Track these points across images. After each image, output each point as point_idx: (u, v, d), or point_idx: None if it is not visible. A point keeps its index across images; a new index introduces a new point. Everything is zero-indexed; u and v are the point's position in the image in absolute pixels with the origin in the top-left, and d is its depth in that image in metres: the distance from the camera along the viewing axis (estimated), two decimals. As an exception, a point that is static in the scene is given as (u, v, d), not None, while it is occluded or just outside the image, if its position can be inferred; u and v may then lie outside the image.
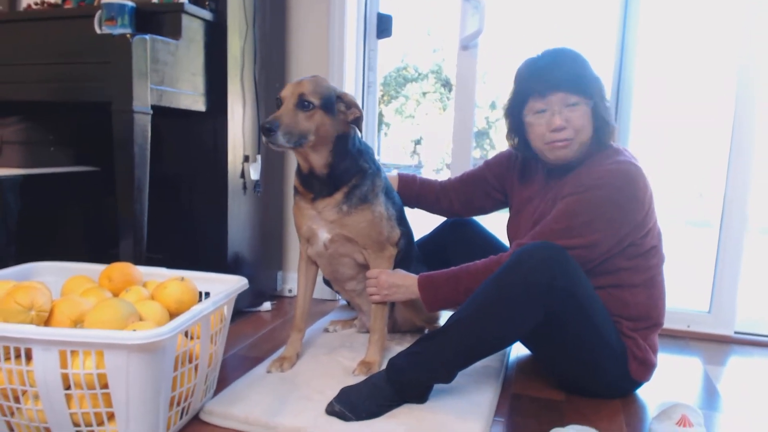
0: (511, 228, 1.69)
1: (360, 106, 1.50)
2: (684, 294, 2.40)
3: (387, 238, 1.58)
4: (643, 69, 2.13)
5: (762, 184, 2.11)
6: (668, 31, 2.31)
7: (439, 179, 1.90)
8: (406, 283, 1.55)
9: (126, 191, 1.61)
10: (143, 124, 1.60)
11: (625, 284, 1.46)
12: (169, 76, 1.71)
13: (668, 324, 2.03)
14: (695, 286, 2.41)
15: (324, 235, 1.55)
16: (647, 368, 1.49)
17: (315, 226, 1.56)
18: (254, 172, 2.07)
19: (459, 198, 1.82)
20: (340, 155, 1.49)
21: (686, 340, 2.07)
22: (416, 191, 1.86)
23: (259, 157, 2.11)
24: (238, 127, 2.01)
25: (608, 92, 2.13)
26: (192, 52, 1.82)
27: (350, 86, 2.36)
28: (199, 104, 1.87)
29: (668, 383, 1.66)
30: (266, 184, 2.20)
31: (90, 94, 1.66)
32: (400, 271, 1.59)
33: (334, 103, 1.44)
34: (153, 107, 1.63)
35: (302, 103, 1.39)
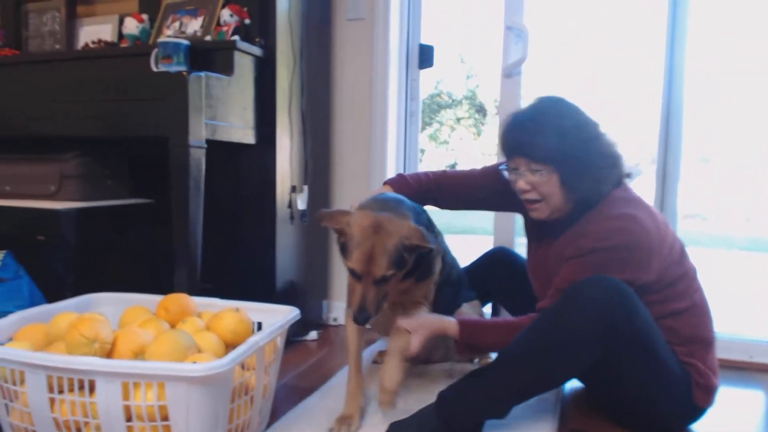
0: (531, 271, 1.66)
1: (426, 239, 1.34)
2: (745, 322, 2.31)
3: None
4: (691, 95, 2.09)
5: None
6: (718, 53, 2.27)
7: (435, 173, 1.75)
8: (437, 326, 1.45)
9: (181, 223, 1.65)
10: (198, 157, 1.64)
11: (666, 314, 1.41)
12: (222, 111, 1.76)
13: (729, 354, 1.96)
14: (757, 314, 2.32)
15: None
16: (710, 393, 1.43)
17: None
18: (301, 202, 2.10)
19: (468, 196, 1.72)
20: (410, 271, 1.42)
21: (748, 371, 1.98)
22: (413, 197, 1.63)
23: (305, 187, 2.14)
24: (286, 158, 2.05)
25: (656, 117, 2.11)
26: (243, 87, 1.87)
27: (392, 116, 2.38)
28: (249, 137, 1.92)
29: (729, 417, 1.58)
30: (311, 214, 2.23)
31: (147, 129, 1.71)
32: (429, 317, 1.48)
33: (405, 258, 1.33)
34: (206, 141, 1.68)
35: (381, 280, 1.31)
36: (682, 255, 1.44)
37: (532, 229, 1.63)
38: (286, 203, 2.05)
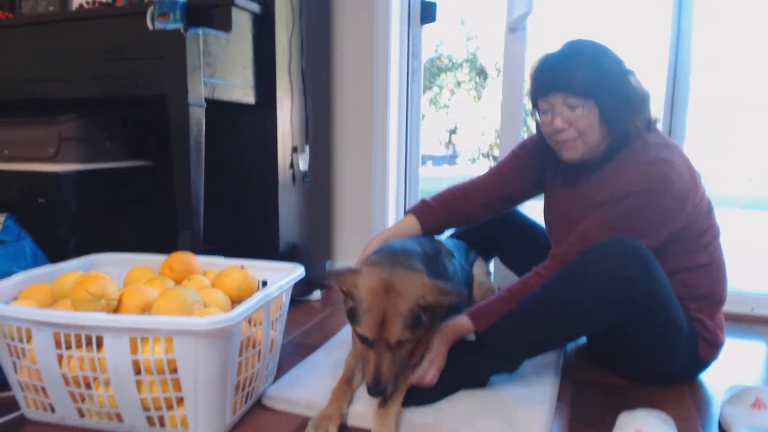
0: (548, 219, 1.65)
1: (442, 294, 1.24)
2: (747, 276, 2.32)
3: None
4: (698, 53, 2.06)
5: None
6: (727, 11, 2.22)
7: (456, 186, 1.69)
8: (457, 330, 1.40)
9: (183, 184, 1.64)
10: (198, 116, 1.62)
11: (683, 268, 1.41)
12: (221, 69, 1.73)
13: (731, 307, 1.97)
14: (758, 269, 2.33)
15: None
16: (716, 348, 1.45)
17: None
18: (303, 163, 2.08)
19: (500, 197, 1.65)
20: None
21: (749, 323, 2.00)
22: (441, 219, 1.64)
23: (307, 147, 2.12)
24: (287, 118, 2.02)
25: (664, 76, 2.08)
26: (241, 45, 1.83)
27: (394, 74, 2.35)
28: (249, 96, 1.89)
29: (732, 367, 1.60)
30: (313, 174, 2.21)
31: (144, 88, 1.69)
32: (445, 329, 1.40)
33: (421, 318, 1.23)
34: (206, 101, 1.65)
35: (396, 345, 1.21)
36: (710, 210, 1.44)
37: (556, 176, 1.60)
38: (287, 164, 2.04)
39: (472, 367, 1.37)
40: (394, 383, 1.20)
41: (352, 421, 1.28)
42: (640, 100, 1.39)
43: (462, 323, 1.40)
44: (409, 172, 2.53)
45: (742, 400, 1.26)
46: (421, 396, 1.32)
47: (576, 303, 1.29)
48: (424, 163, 2.63)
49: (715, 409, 1.36)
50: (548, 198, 1.65)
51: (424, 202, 1.66)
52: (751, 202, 5.31)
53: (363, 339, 1.21)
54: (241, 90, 1.85)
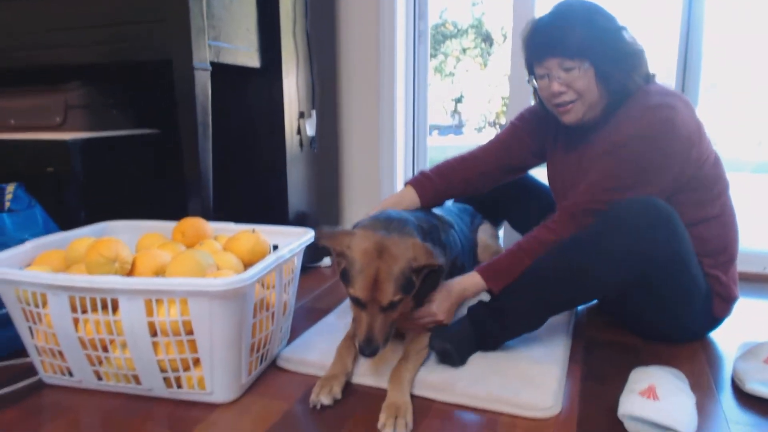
0: (553, 186, 1.63)
1: (434, 256, 1.25)
2: (759, 236, 2.31)
3: None
4: (710, 14, 2.02)
5: None
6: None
7: (455, 157, 1.66)
8: (466, 286, 1.41)
9: (191, 149, 1.63)
10: (203, 81, 1.60)
11: (696, 221, 1.40)
12: (225, 31, 1.70)
13: (743, 267, 1.95)
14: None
15: None
16: (730, 303, 1.45)
17: None
18: (310, 128, 2.07)
19: (499, 167, 1.63)
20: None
21: (762, 282, 1.99)
22: (440, 191, 1.63)
23: (314, 113, 2.10)
24: (293, 82, 2.00)
25: (675, 43, 2.04)
26: (245, 7, 1.80)
27: (401, 36, 2.31)
28: (254, 60, 1.87)
29: (745, 326, 1.60)
30: (321, 141, 2.20)
31: (149, 53, 1.66)
32: (450, 284, 1.42)
33: (413, 281, 1.25)
34: (211, 64, 1.63)
35: (388, 307, 1.22)
36: (717, 161, 1.42)
37: (557, 143, 1.58)
38: (294, 130, 2.02)
39: (496, 331, 1.37)
40: (386, 343, 1.21)
41: (360, 379, 1.30)
42: (636, 55, 1.37)
43: (473, 281, 1.40)
44: (417, 136, 2.51)
45: (755, 356, 1.26)
46: (446, 358, 1.32)
47: (598, 265, 1.27)
48: (430, 133, 2.61)
49: (728, 366, 1.37)
50: (551, 166, 1.63)
51: (422, 173, 1.64)
52: (761, 166, 5.25)
53: (355, 300, 1.22)
54: (246, 53, 1.83)
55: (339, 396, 1.22)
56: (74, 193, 1.81)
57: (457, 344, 1.32)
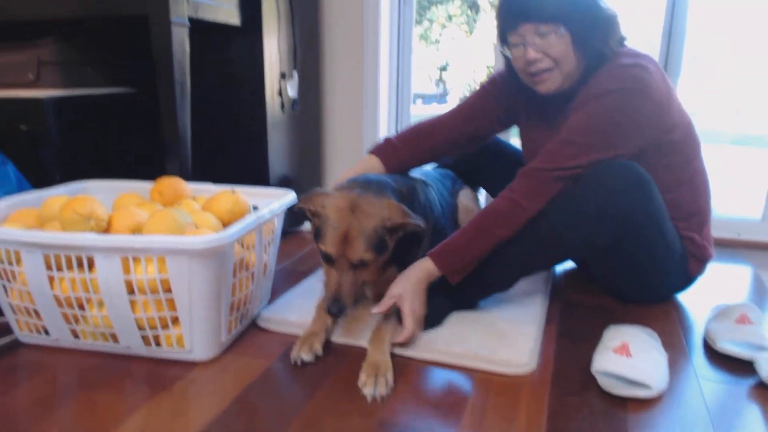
0: (528, 153, 1.59)
1: (409, 216, 1.22)
2: (733, 203, 2.35)
3: None
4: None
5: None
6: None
7: (421, 123, 1.62)
8: (418, 277, 1.30)
9: (169, 108, 1.59)
10: (181, 37, 1.56)
11: (669, 185, 1.39)
12: (203, -14, 1.65)
13: (718, 233, 1.99)
14: (744, 196, 2.35)
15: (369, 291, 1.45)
16: (704, 262, 1.48)
17: None
18: (291, 90, 2.03)
19: (464, 134, 1.59)
20: (391, 257, 1.31)
21: (737, 248, 2.03)
22: (405, 158, 1.58)
23: (295, 73, 2.06)
24: (274, 43, 1.95)
25: (662, 11, 2.03)
26: (224, -39, 1.75)
27: (385, -1, 2.26)
28: (234, 18, 1.82)
29: (719, 289, 1.64)
30: (303, 103, 2.16)
31: (124, 7, 1.61)
32: (405, 280, 1.30)
33: (386, 241, 1.24)
34: (190, 20, 1.58)
35: (358, 265, 1.21)
36: (690, 126, 1.41)
37: (531, 115, 1.55)
38: (276, 91, 1.98)
39: (470, 290, 1.38)
40: (355, 304, 1.21)
41: (340, 339, 1.31)
42: (611, 20, 1.34)
43: (427, 266, 1.31)
44: (400, 103, 2.49)
45: (727, 316, 1.30)
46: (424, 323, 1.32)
47: (574, 228, 1.29)
48: (414, 101, 2.58)
49: (700, 327, 1.40)
50: (525, 138, 1.60)
51: (387, 141, 1.59)
52: (738, 138, 5.32)
53: (326, 257, 1.22)
54: (226, 10, 1.78)
55: (320, 352, 1.23)
56: (49, 152, 1.77)
57: (433, 308, 1.33)
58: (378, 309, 1.26)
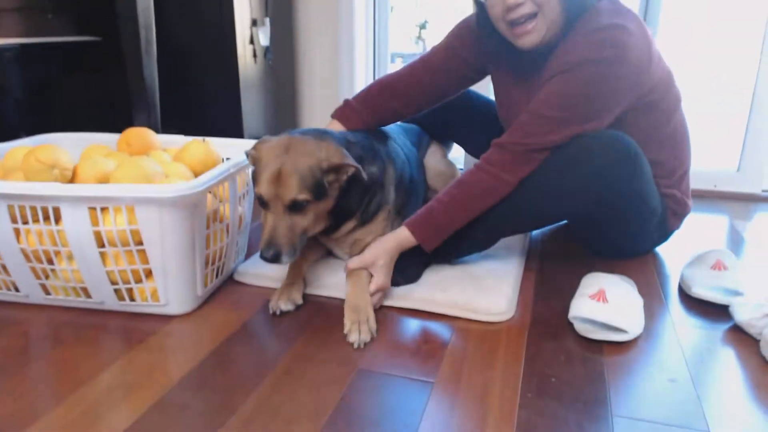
0: (505, 120, 1.52)
1: (347, 158, 1.19)
2: (710, 156, 2.36)
3: None
4: None
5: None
6: None
7: (382, 81, 1.52)
8: (393, 245, 1.26)
9: (134, 58, 1.52)
10: (145, -21, 1.48)
11: (651, 143, 1.35)
12: (168, -75, 1.56)
13: (695, 184, 2.00)
14: (721, 149, 2.37)
15: (340, 250, 1.41)
16: (683, 218, 1.48)
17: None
18: (263, 37, 1.96)
19: (426, 93, 1.50)
20: (341, 208, 1.26)
21: (713, 199, 2.05)
22: (368, 121, 1.50)
23: (267, 20, 1.99)
24: (245, -13, 1.87)
25: None
26: None
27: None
28: (201, -40, 1.73)
29: (697, 239, 1.65)
30: (276, 51, 2.09)
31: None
32: (388, 238, 1.28)
33: (324, 185, 1.18)
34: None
35: (294, 206, 1.15)
36: (670, 77, 1.36)
37: (505, 73, 1.47)
38: (247, 39, 1.91)
39: (449, 249, 1.36)
40: (291, 254, 1.15)
41: (316, 291, 1.29)
42: None
43: (404, 235, 1.27)
44: (378, 43, 2.42)
45: (703, 262, 1.31)
46: (394, 279, 1.28)
47: (557, 201, 1.26)
48: (393, 61, 2.52)
49: (676, 276, 1.41)
50: (500, 98, 1.52)
51: (346, 103, 1.50)
52: (718, 99, 5.34)
53: (259, 200, 1.17)
54: (193, -48, 1.69)
55: (300, 301, 1.22)
56: (10, 102, 1.70)
57: (410, 265, 1.31)
58: (352, 264, 1.23)
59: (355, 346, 1.07)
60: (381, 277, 1.22)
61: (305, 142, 1.18)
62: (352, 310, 1.14)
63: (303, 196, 1.14)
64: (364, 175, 1.23)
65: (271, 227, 1.14)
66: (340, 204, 1.24)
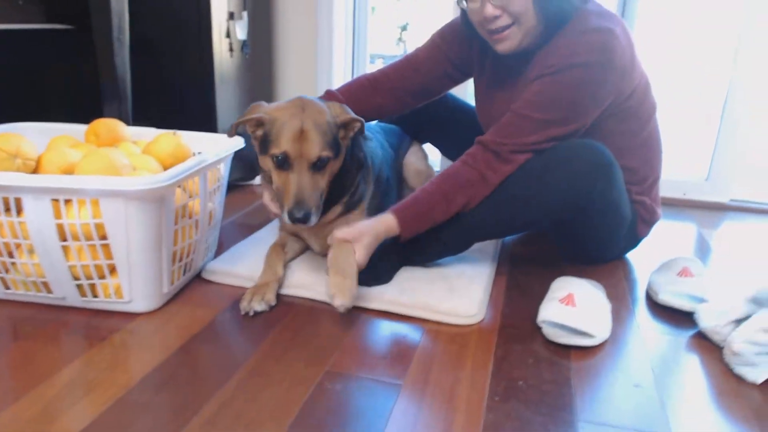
0: (485, 122, 1.51)
1: (356, 116, 1.23)
2: (681, 165, 2.40)
3: None
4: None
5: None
6: None
7: (366, 76, 1.53)
8: (379, 230, 1.24)
9: (105, 45, 1.49)
10: (119, -33, 1.44)
11: (624, 151, 1.37)
12: None
13: (665, 193, 2.05)
14: (690, 157, 2.41)
15: (317, 243, 1.40)
16: (652, 225, 1.50)
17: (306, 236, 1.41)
18: (240, 31, 1.93)
19: (410, 91, 1.50)
20: (336, 184, 1.27)
21: (682, 207, 2.09)
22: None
23: (244, 14, 1.96)
24: (222, -20, 1.85)
25: None
26: None
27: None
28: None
29: (665, 246, 1.68)
30: (253, 45, 2.07)
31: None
32: (376, 221, 1.26)
33: (339, 141, 1.21)
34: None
35: (318, 163, 1.16)
36: (647, 86, 1.38)
37: (488, 75, 1.47)
38: (224, 33, 1.88)
39: (422, 251, 1.36)
40: (317, 214, 1.16)
41: (289, 291, 1.27)
42: None
43: (389, 221, 1.26)
44: (357, 40, 2.41)
45: (669, 269, 1.32)
46: (366, 279, 1.26)
47: (537, 196, 1.25)
48: (373, 62, 2.51)
49: (643, 282, 1.43)
50: (481, 100, 1.52)
51: (329, 94, 1.48)
52: (689, 109, 5.44)
53: (281, 161, 1.16)
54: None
55: (273, 302, 1.20)
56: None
57: (382, 266, 1.30)
58: (339, 234, 1.20)
59: (341, 310, 1.09)
60: (362, 254, 1.19)
61: (315, 102, 1.20)
62: (338, 273, 1.13)
63: (326, 153, 1.16)
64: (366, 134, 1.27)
65: (299, 186, 1.15)
66: (339, 175, 1.25)
